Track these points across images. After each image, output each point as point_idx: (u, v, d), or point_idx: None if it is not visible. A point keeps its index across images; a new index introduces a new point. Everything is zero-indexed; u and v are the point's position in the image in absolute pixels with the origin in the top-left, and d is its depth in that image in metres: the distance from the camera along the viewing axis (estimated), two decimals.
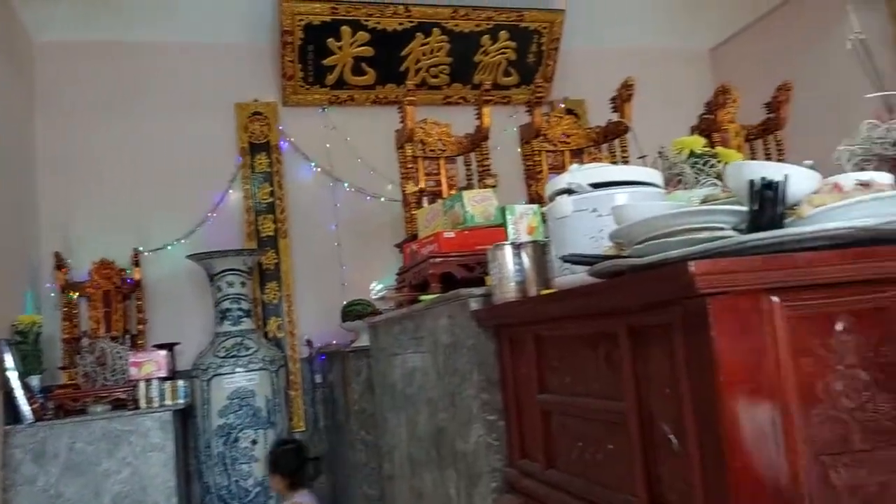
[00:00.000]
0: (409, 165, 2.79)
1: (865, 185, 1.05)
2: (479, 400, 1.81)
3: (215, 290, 3.98)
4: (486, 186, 2.67)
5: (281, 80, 4.61)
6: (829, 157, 1.69)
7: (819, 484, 1.00)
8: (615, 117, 3.35)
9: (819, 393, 1.02)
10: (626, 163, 3.21)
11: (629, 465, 1.23)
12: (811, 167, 1.08)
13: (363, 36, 4.46)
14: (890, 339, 1.06)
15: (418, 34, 4.55)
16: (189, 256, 3.98)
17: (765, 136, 3.57)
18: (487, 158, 2.90)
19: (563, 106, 4.96)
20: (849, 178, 1.07)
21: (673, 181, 2.41)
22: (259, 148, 4.57)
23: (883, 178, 1.14)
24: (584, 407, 1.41)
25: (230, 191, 4.52)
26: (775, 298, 1.01)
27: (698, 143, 2.50)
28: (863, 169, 1.62)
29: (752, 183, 0.94)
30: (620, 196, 1.50)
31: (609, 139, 3.35)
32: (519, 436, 1.72)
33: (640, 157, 2.85)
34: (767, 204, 0.94)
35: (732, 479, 0.96)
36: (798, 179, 1.00)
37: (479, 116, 2.89)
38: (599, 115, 3.76)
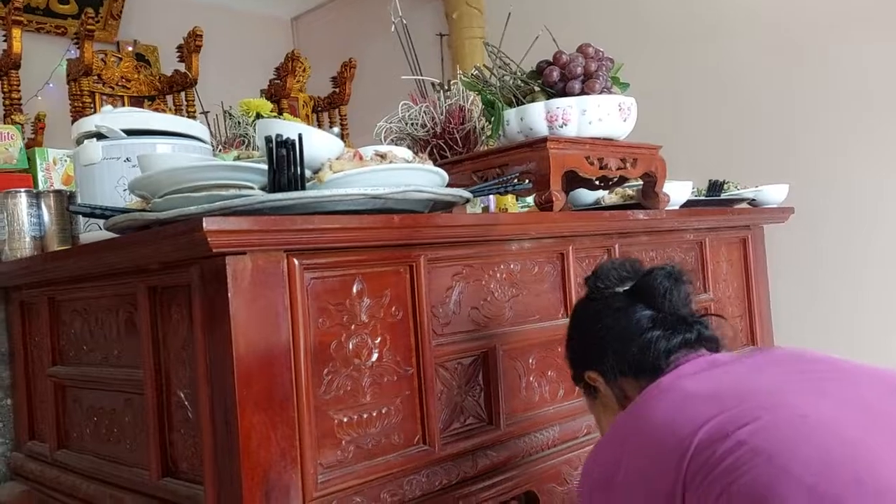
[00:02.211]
0: None
1: (383, 157, 1.12)
2: None
3: None
4: (13, 123, 2.25)
5: None
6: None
7: (327, 438, 1.05)
8: (183, 68, 3.16)
9: (332, 352, 1.07)
10: (192, 117, 3.04)
11: (144, 437, 1.13)
12: (336, 135, 1.10)
13: None
14: (399, 300, 1.16)
15: None
16: None
17: (331, 109, 3.74)
18: (17, 90, 2.45)
19: (131, 49, 4.51)
20: (368, 149, 1.13)
21: (237, 142, 2.35)
22: None
23: (401, 151, 1.23)
24: (102, 378, 1.26)
25: None
26: (295, 260, 1.02)
27: (266, 106, 2.47)
28: (397, 146, 1.77)
29: (268, 140, 0.92)
30: (161, 146, 1.37)
31: (175, 90, 3.14)
32: (28, 415, 1.48)
33: (203, 113, 2.72)
34: (283, 163, 0.93)
35: (242, 441, 0.94)
36: (316, 142, 1.01)
37: (8, 39, 2.43)
38: (175, 67, 3.50)
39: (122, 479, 1.19)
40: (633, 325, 1.01)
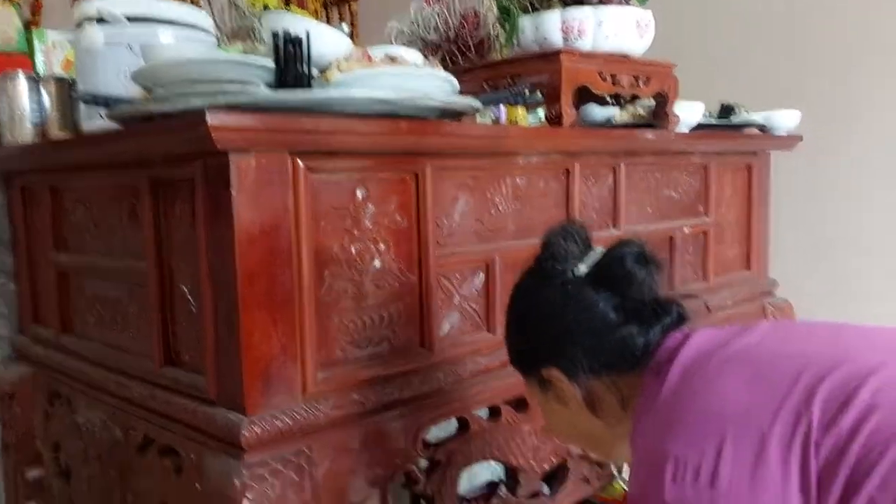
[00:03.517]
0: None
1: (393, 60, 1.09)
2: None
3: None
4: (10, 3, 2.18)
5: None
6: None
7: (328, 338, 1.07)
8: None
9: (334, 255, 1.07)
10: (195, 4, 2.93)
11: (148, 328, 1.16)
12: (346, 32, 1.07)
13: None
14: (404, 208, 1.16)
15: None
16: None
17: (341, 4, 3.62)
18: None
19: None
20: (378, 50, 1.10)
21: (243, 34, 2.28)
22: None
23: (412, 55, 1.20)
24: (105, 268, 1.27)
25: None
26: (300, 161, 1.01)
27: None
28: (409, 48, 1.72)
29: (275, 36, 0.89)
30: (164, 35, 1.34)
31: None
32: (31, 300, 1.51)
33: (207, 1, 2.63)
34: (290, 60, 0.91)
35: (243, 337, 0.96)
36: (325, 40, 0.98)
37: None
38: None
39: (126, 366, 1.22)
40: (604, 317, 0.88)
